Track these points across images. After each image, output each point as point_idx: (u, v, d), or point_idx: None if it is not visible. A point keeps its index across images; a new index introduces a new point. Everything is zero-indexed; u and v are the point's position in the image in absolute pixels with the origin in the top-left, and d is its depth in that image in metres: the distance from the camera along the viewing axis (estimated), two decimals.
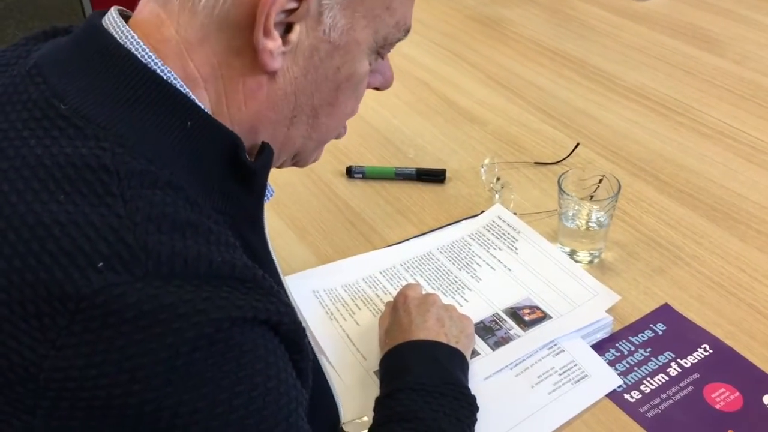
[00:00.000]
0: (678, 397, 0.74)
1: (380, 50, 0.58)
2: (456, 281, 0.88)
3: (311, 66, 0.54)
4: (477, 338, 0.79)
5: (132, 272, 0.41)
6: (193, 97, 0.51)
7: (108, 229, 0.42)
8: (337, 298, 0.86)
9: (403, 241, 0.95)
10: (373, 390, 0.71)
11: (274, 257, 0.62)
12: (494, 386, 0.75)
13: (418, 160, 1.10)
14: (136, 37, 0.51)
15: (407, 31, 0.59)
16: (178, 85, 0.50)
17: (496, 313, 0.83)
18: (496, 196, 1.01)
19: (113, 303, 0.40)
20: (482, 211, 0.99)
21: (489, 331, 0.81)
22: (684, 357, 0.78)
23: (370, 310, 0.84)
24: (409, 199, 1.03)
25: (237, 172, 0.52)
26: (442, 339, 0.72)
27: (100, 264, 0.41)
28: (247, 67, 0.52)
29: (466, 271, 0.89)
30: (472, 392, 0.69)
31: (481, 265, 0.90)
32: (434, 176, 1.06)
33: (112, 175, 0.44)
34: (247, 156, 0.54)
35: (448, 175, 1.06)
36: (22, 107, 0.48)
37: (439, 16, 1.57)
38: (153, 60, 0.50)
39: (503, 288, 0.86)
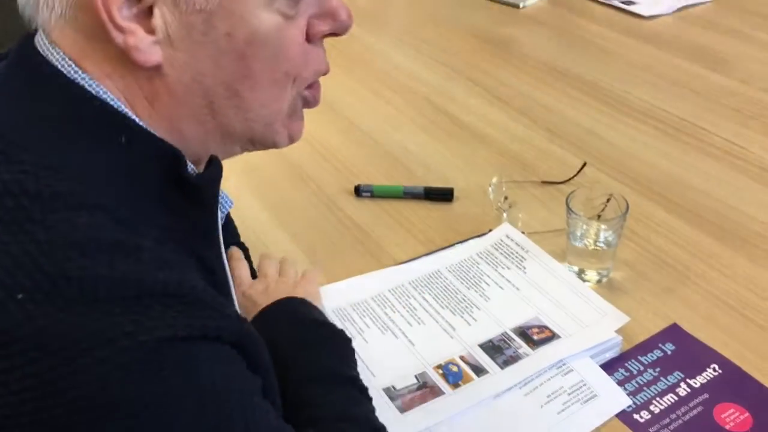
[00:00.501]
0: (687, 417, 0.74)
1: None
2: (464, 300, 0.88)
3: (195, 45, 0.49)
4: (486, 356, 0.79)
5: (53, 301, 0.39)
6: (127, 110, 0.49)
7: (26, 258, 0.40)
8: (346, 316, 0.86)
9: (412, 260, 0.95)
10: (383, 407, 0.72)
11: (228, 270, 0.60)
12: (504, 405, 0.75)
13: (426, 178, 1.11)
14: (61, 53, 0.49)
15: None
16: (108, 99, 0.49)
17: (505, 332, 0.83)
18: (504, 215, 1.02)
19: (35, 335, 0.38)
20: (490, 230, 0.99)
21: (498, 350, 0.81)
22: (693, 377, 0.78)
23: (379, 328, 0.84)
24: (417, 217, 1.03)
25: (181, 187, 0.50)
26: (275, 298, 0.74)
27: (20, 296, 0.39)
28: (134, 69, 0.49)
29: (475, 290, 0.89)
30: (483, 411, 0.69)
31: (490, 284, 0.90)
32: (442, 195, 1.06)
33: (33, 200, 0.42)
34: (193, 167, 0.52)
35: (456, 193, 1.07)
36: None
37: (447, 36, 1.58)
38: (80, 75, 0.48)
39: (512, 307, 0.87)
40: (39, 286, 0.39)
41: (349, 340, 0.71)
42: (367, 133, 1.22)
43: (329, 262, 0.96)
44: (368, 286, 0.91)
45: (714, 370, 0.78)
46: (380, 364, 0.79)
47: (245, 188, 1.09)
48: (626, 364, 0.79)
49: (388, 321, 0.85)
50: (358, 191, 1.07)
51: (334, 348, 0.69)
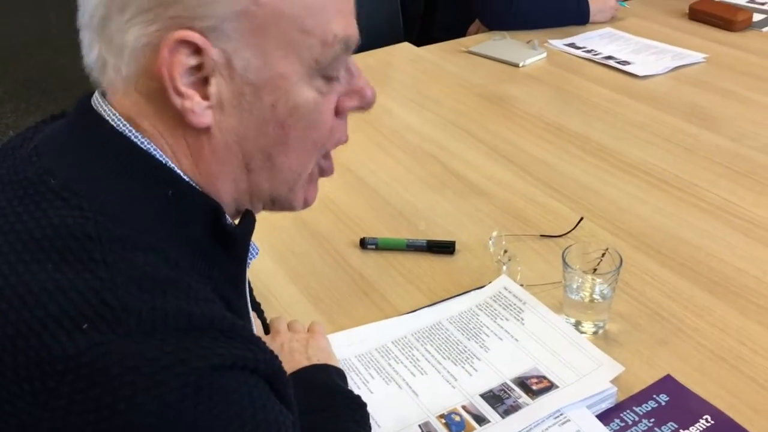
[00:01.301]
0: None
1: (324, 73, 0.56)
2: (465, 351, 0.91)
3: (243, 112, 0.55)
4: (487, 406, 0.82)
5: (115, 331, 0.44)
6: (173, 166, 0.55)
7: (91, 292, 0.45)
8: (351, 367, 0.89)
9: (415, 311, 0.98)
10: None
11: (251, 315, 0.66)
12: None
13: (428, 232, 1.15)
14: (114, 111, 0.55)
15: (347, 44, 0.57)
16: (157, 156, 0.54)
17: (505, 383, 0.86)
18: (504, 267, 1.06)
19: (98, 361, 0.43)
20: (490, 282, 1.03)
21: (498, 399, 0.83)
22: (687, 428, 0.80)
23: (383, 379, 0.87)
24: (420, 269, 1.07)
25: (219, 237, 0.56)
26: (305, 363, 0.78)
27: (85, 326, 0.44)
28: (185, 129, 0.55)
29: (475, 341, 0.93)
30: None
31: (489, 336, 0.93)
32: (444, 248, 1.10)
33: (94, 242, 0.48)
34: (229, 219, 0.57)
35: (457, 247, 1.10)
36: (19, 186, 0.52)
37: (450, 93, 1.64)
38: (134, 133, 0.54)
39: (511, 358, 0.90)
40: (103, 317, 0.45)
41: (364, 405, 0.75)
42: (371, 188, 1.27)
43: (335, 312, 0.99)
44: (372, 336, 0.94)
45: (707, 421, 0.81)
46: (385, 414, 0.82)
47: (253, 238, 1.13)
48: (621, 414, 0.82)
49: (392, 372, 0.88)
50: (364, 244, 1.12)
51: (350, 413, 0.73)
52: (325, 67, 0.56)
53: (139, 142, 0.54)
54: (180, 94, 0.52)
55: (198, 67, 0.52)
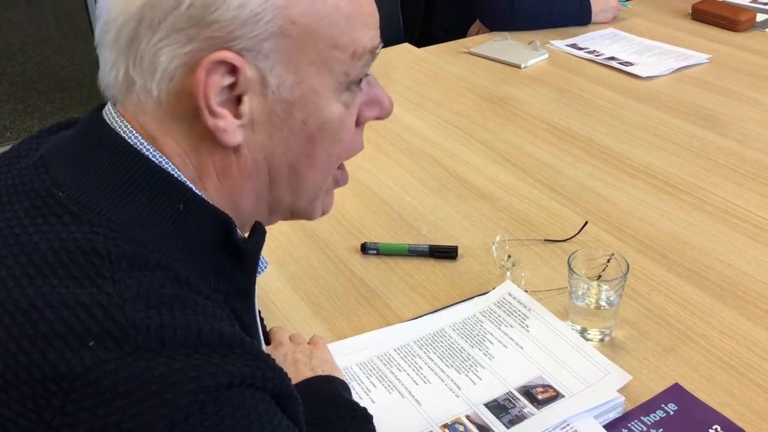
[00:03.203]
0: None
1: (350, 85, 0.58)
2: (469, 359, 0.89)
3: (273, 128, 0.55)
4: (491, 416, 0.81)
5: (122, 348, 0.43)
6: (185, 180, 0.54)
7: (98, 308, 0.44)
8: (352, 376, 0.87)
9: (417, 318, 0.97)
10: None
11: (260, 327, 0.66)
12: None
13: (430, 236, 1.13)
14: (129, 126, 0.54)
15: (373, 53, 0.58)
16: (170, 170, 0.53)
17: (510, 392, 0.84)
18: (507, 273, 1.04)
19: (105, 379, 0.42)
20: (494, 288, 1.01)
21: (503, 409, 0.82)
22: None
23: (386, 388, 0.86)
24: (422, 275, 1.05)
25: (229, 251, 0.55)
26: (310, 375, 0.77)
27: (91, 343, 0.43)
28: (212, 148, 0.55)
29: (479, 348, 0.91)
30: None
31: (494, 343, 0.92)
32: (446, 253, 1.09)
33: (103, 258, 0.47)
34: (240, 232, 0.56)
35: (460, 251, 1.09)
36: (25, 197, 0.51)
37: (451, 95, 1.62)
38: (146, 147, 0.53)
39: (516, 366, 0.88)
40: (109, 333, 0.44)
41: (370, 418, 0.73)
42: (372, 192, 1.25)
43: (335, 319, 0.97)
44: (374, 344, 0.92)
45: (716, 431, 0.79)
46: (387, 423, 0.80)
47: None
48: (629, 425, 0.80)
49: (395, 380, 0.87)
50: (365, 249, 1.10)
51: (357, 426, 0.72)
52: (353, 80, 0.58)
53: (151, 156, 0.53)
54: (213, 113, 0.52)
55: (231, 86, 0.53)
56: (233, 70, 0.52)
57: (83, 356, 0.43)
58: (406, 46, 1.91)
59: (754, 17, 1.96)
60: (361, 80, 0.59)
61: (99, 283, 0.46)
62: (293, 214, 0.63)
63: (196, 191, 0.54)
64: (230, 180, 0.56)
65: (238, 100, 0.53)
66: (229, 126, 0.53)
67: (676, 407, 0.82)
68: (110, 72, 0.54)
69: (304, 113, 0.56)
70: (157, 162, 0.53)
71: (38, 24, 4.53)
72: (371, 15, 0.58)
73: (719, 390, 0.85)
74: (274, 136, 0.56)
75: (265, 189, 0.59)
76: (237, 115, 0.53)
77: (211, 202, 0.55)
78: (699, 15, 2.01)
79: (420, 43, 1.97)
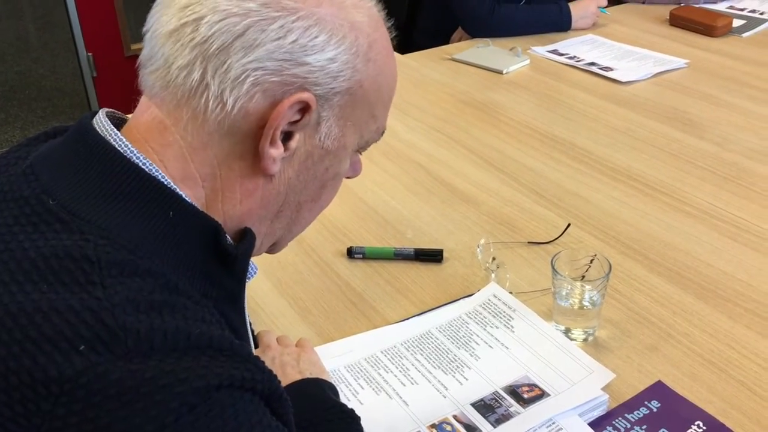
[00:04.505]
0: None
1: (360, 149, 0.65)
2: (455, 360, 0.90)
3: (304, 168, 0.60)
4: (478, 415, 0.81)
5: (113, 351, 0.44)
6: (175, 187, 0.54)
7: (88, 312, 0.45)
8: (340, 378, 0.88)
9: (403, 320, 0.98)
10: None
11: (250, 332, 0.67)
12: None
13: (416, 240, 1.14)
14: (119, 134, 0.55)
15: (383, 133, 0.66)
16: (159, 177, 0.54)
17: (496, 392, 0.85)
18: (492, 275, 1.05)
19: (96, 382, 0.43)
20: (479, 290, 1.02)
21: (490, 408, 0.83)
22: None
23: (373, 389, 0.86)
24: (408, 278, 1.06)
25: (219, 257, 0.56)
26: (298, 377, 0.78)
27: (82, 346, 0.44)
28: (247, 169, 0.57)
29: (465, 350, 0.92)
30: None
31: (479, 344, 0.93)
32: (432, 256, 1.10)
33: (93, 265, 0.47)
34: (229, 239, 0.57)
35: (445, 255, 1.10)
36: (14, 204, 0.52)
37: (435, 101, 1.64)
38: (135, 155, 0.54)
39: (502, 366, 0.89)
40: (100, 337, 0.44)
41: (358, 419, 0.74)
42: (359, 197, 1.26)
43: (323, 323, 0.98)
44: (361, 346, 0.93)
45: (699, 427, 0.81)
46: (375, 425, 0.81)
47: None
48: (614, 422, 0.82)
49: (382, 382, 0.87)
50: (351, 253, 1.11)
51: (345, 427, 0.73)
52: (365, 147, 0.65)
53: (141, 164, 0.54)
54: (274, 142, 0.56)
55: (294, 122, 0.56)
56: (304, 110, 0.56)
57: (73, 360, 0.43)
58: None
59: (731, 23, 2.00)
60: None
61: (89, 289, 0.46)
62: (272, 247, 0.67)
63: (187, 199, 0.55)
64: (249, 203, 0.59)
65: (289, 135, 0.57)
66: (277, 155, 0.56)
67: (659, 404, 0.84)
68: (180, 71, 0.54)
69: (330, 162, 0.61)
70: (147, 170, 0.54)
71: (19, 33, 4.50)
72: (392, 100, 0.65)
73: (701, 387, 0.86)
74: (302, 176, 0.60)
75: (269, 219, 0.62)
76: (284, 148, 0.57)
77: (199, 209, 0.56)
78: (677, 21, 2.04)
79: (403, 49, 1.98)
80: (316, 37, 0.54)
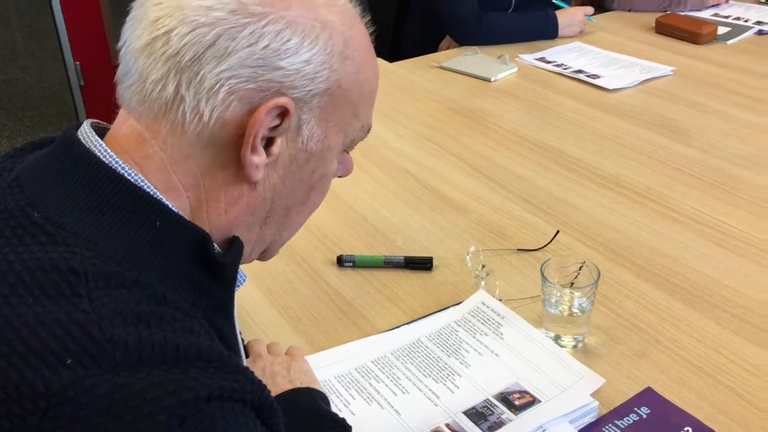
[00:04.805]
0: None
1: (347, 149, 0.65)
2: (446, 368, 0.91)
3: (289, 173, 0.59)
4: (470, 423, 0.82)
5: (100, 365, 0.43)
6: (161, 197, 0.54)
7: (75, 325, 0.44)
8: (331, 389, 0.88)
9: (393, 329, 0.98)
10: None
11: (240, 341, 0.66)
12: None
13: (406, 248, 1.15)
14: (104, 145, 0.55)
15: (369, 130, 0.66)
16: (145, 188, 0.54)
17: (488, 399, 0.85)
18: (482, 282, 1.05)
19: (84, 396, 0.42)
20: (469, 298, 1.02)
21: (482, 416, 0.83)
22: None
23: (365, 399, 0.86)
24: (398, 286, 1.07)
25: (207, 266, 0.56)
26: (288, 387, 0.78)
27: (69, 360, 0.43)
28: (230, 177, 0.57)
29: (455, 357, 0.92)
30: None
31: (469, 351, 0.93)
32: (422, 264, 1.10)
33: (79, 277, 0.47)
34: (218, 249, 0.57)
35: (435, 262, 1.10)
36: (0, 217, 0.51)
37: (423, 109, 1.65)
38: (120, 165, 0.54)
39: (492, 373, 0.89)
40: (87, 351, 0.44)
41: (349, 428, 0.74)
42: (348, 205, 1.26)
43: (313, 332, 0.98)
44: (351, 356, 0.93)
45: None
46: None
47: None
48: (604, 429, 0.82)
49: (373, 392, 0.87)
50: (341, 261, 1.11)
51: None
52: (351, 146, 0.64)
53: (127, 175, 0.54)
54: (254, 148, 0.55)
55: (274, 128, 0.56)
56: (283, 114, 0.55)
57: (61, 374, 0.43)
58: (378, 61, 1.92)
59: (716, 30, 2.02)
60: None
61: (75, 302, 0.46)
62: (263, 253, 0.66)
63: (174, 209, 0.55)
64: (235, 211, 0.58)
65: (271, 140, 0.56)
66: (260, 162, 0.56)
67: (648, 410, 0.84)
68: (155, 85, 0.54)
69: (315, 164, 0.61)
70: (132, 180, 0.54)
71: (6, 42, 4.48)
72: (374, 97, 0.66)
73: (690, 392, 0.87)
74: (287, 180, 0.60)
75: (258, 225, 0.61)
76: (267, 154, 0.56)
77: (186, 218, 0.56)
78: (662, 28, 2.06)
79: (391, 57, 1.99)
80: (288, 40, 0.54)
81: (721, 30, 2.06)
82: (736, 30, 2.08)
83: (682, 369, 0.90)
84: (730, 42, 2.00)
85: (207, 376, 0.46)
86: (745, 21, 2.16)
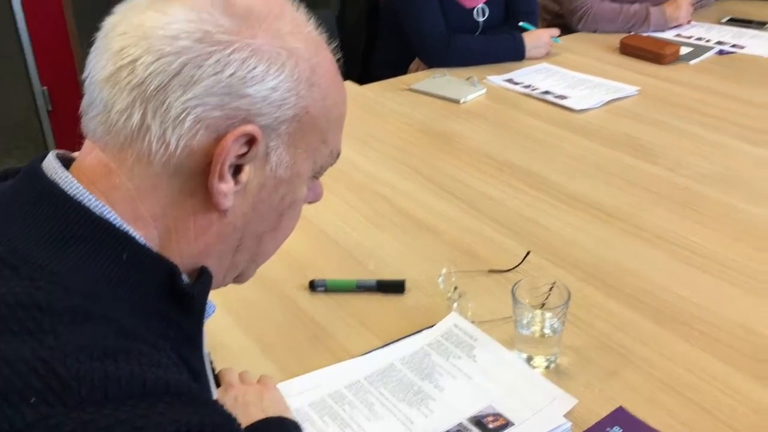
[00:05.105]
0: None
1: (316, 175, 0.65)
2: (420, 392, 0.90)
3: (258, 200, 0.59)
4: None
5: (65, 402, 0.42)
6: (128, 229, 0.54)
7: (39, 362, 0.44)
8: (305, 417, 0.87)
9: (366, 353, 0.97)
10: None
11: (211, 371, 0.66)
12: None
13: (378, 271, 1.14)
14: (69, 176, 0.54)
15: (338, 156, 0.66)
16: (112, 219, 0.53)
17: (461, 423, 0.85)
18: (455, 304, 1.06)
19: None
20: (442, 320, 1.02)
21: None
22: None
23: (339, 426, 0.86)
24: (370, 310, 1.06)
25: (175, 297, 0.55)
26: (261, 416, 0.77)
27: (33, 398, 0.42)
28: (198, 206, 0.56)
29: (429, 381, 0.92)
30: None
31: (443, 375, 0.93)
32: (394, 287, 1.10)
33: (44, 312, 0.46)
34: (187, 279, 0.57)
35: (407, 285, 1.10)
36: None
37: (393, 131, 1.65)
38: (86, 197, 0.53)
39: (465, 396, 0.89)
40: (51, 388, 0.43)
41: None
42: (320, 229, 1.26)
43: (285, 358, 0.97)
44: (325, 382, 0.92)
45: None
46: None
47: None
48: None
49: (347, 418, 0.87)
50: (313, 286, 1.10)
51: None
52: (321, 171, 0.64)
53: (93, 207, 0.53)
54: (222, 176, 0.55)
55: (241, 155, 0.55)
56: (251, 142, 0.55)
57: (24, 412, 0.42)
58: (348, 84, 1.93)
59: (678, 50, 2.07)
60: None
61: (40, 338, 0.45)
62: (237, 280, 0.66)
63: (142, 242, 0.54)
64: (204, 240, 0.58)
65: (238, 168, 0.56)
66: (228, 190, 0.56)
67: (621, 430, 0.85)
68: (120, 115, 0.54)
69: (285, 191, 0.60)
70: (98, 212, 0.53)
71: None
72: (342, 123, 0.66)
73: (661, 411, 0.87)
74: (257, 207, 0.59)
75: (230, 253, 0.61)
76: (235, 182, 0.56)
77: (153, 250, 0.55)
78: (627, 49, 2.10)
79: (361, 80, 2.00)
80: (254, 68, 0.54)
81: (684, 50, 2.11)
82: (698, 50, 2.13)
83: (653, 388, 0.91)
84: (692, 62, 2.05)
85: (175, 411, 0.45)
86: (707, 41, 2.21)
